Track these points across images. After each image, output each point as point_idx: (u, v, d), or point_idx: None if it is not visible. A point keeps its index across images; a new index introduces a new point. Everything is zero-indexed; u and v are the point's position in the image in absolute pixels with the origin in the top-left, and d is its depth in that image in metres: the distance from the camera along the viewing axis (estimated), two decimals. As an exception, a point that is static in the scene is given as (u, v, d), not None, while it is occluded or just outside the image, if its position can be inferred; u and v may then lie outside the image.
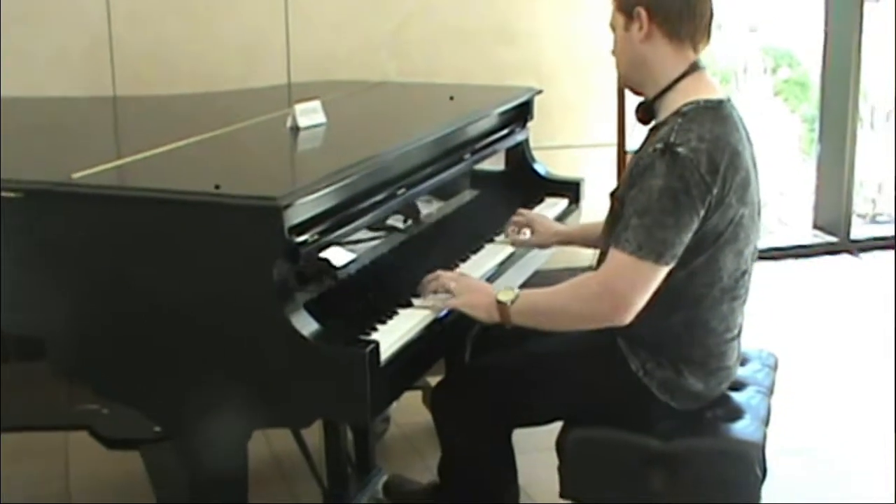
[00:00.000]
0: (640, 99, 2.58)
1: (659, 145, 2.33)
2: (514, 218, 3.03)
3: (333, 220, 2.31)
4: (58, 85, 4.08)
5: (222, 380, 2.20)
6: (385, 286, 2.50)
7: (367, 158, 2.48)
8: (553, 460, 2.52)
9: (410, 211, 2.74)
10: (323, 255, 2.28)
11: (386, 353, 2.19)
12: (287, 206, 2.13)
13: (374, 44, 4.63)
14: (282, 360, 2.12)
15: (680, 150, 2.30)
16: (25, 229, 2.29)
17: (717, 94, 2.46)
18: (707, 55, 2.51)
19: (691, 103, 2.41)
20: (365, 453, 3.18)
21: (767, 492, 2.48)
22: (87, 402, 2.62)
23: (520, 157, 3.44)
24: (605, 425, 2.48)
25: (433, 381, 2.77)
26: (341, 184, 2.35)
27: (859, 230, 6.12)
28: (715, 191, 2.32)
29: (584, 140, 4.96)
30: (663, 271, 2.33)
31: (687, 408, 2.51)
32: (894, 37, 5.72)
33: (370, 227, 2.53)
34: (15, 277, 2.31)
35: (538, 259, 3.09)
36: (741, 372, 2.68)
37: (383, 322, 2.35)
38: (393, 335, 2.29)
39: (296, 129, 2.79)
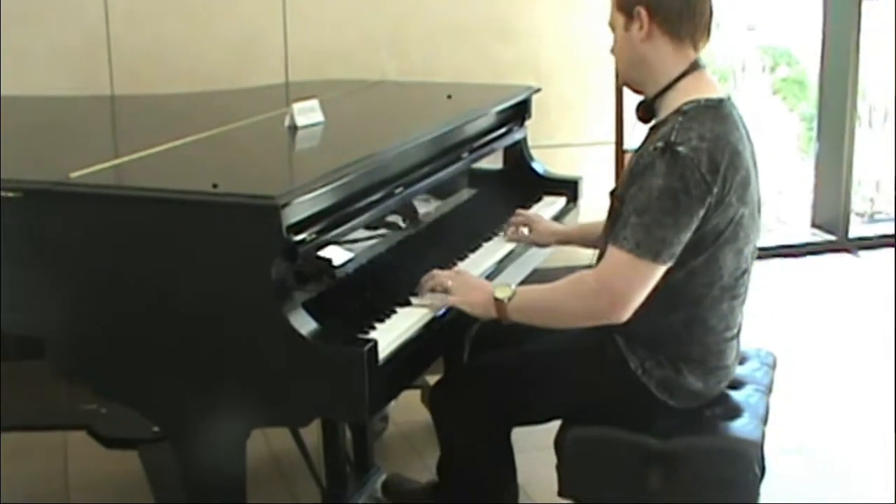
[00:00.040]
0: (640, 97, 2.57)
1: (659, 144, 2.33)
2: (513, 219, 3.03)
3: (331, 219, 2.31)
4: (55, 84, 4.08)
5: (220, 379, 2.20)
6: (383, 285, 2.50)
7: (365, 157, 2.48)
8: (552, 459, 2.52)
9: (408, 210, 2.74)
10: (321, 254, 2.28)
11: (384, 351, 2.19)
12: (285, 205, 2.12)
13: (372, 42, 4.63)
14: (280, 359, 2.12)
15: (680, 149, 2.30)
16: (24, 229, 2.29)
17: (717, 92, 2.46)
18: (705, 54, 2.51)
19: (692, 102, 2.41)
20: (363, 452, 3.18)
21: (766, 491, 2.48)
22: (86, 401, 2.62)
23: (518, 155, 3.44)
24: (603, 424, 2.48)
25: (432, 379, 2.77)
26: (339, 183, 2.35)
27: (857, 229, 6.12)
28: (715, 190, 2.32)
29: (582, 139, 4.96)
30: (661, 270, 2.33)
31: (685, 406, 2.51)
32: (893, 36, 5.72)
33: (368, 226, 2.53)
34: (13, 277, 2.31)
35: (537, 257, 3.09)
36: (740, 370, 2.68)
37: (381, 321, 2.35)
38: (391, 334, 2.29)
39: (294, 128, 2.79)
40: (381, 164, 2.55)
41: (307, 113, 2.83)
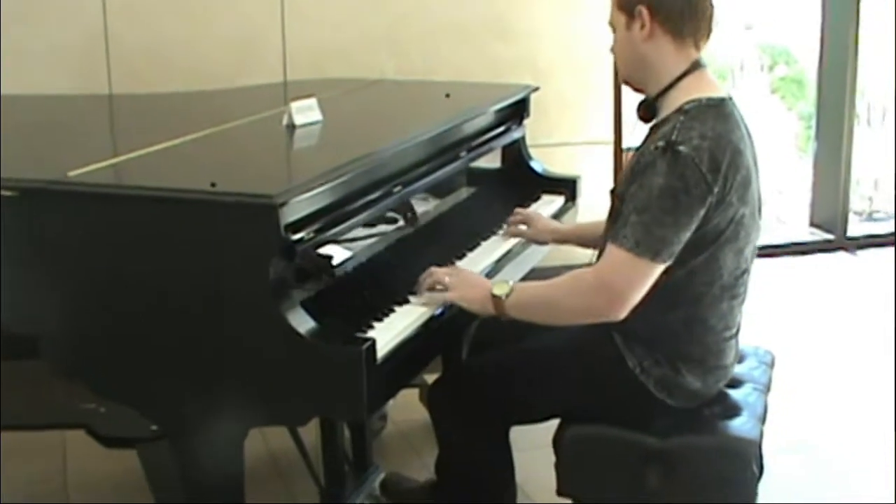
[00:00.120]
0: (639, 96, 2.57)
1: (661, 143, 2.33)
2: (512, 217, 3.03)
3: (330, 218, 2.31)
4: (54, 82, 4.08)
5: (219, 378, 2.20)
6: (382, 284, 2.50)
7: (363, 156, 2.48)
8: (550, 458, 2.52)
9: (407, 208, 2.73)
10: (319, 252, 2.28)
11: (382, 350, 2.19)
12: (283, 204, 2.12)
13: (370, 41, 4.63)
14: (278, 358, 2.12)
15: (682, 148, 2.30)
16: (22, 227, 2.29)
17: (718, 92, 2.46)
18: (704, 53, 2.51)
19: (693, 101, 2.41)
20: (362, 451, 3.18)
21: (765, 490, 2.48)
22: (85, 400, 2.61)
23: (516, 154, 3.44)
24: (602, 423, 2.48)
25: (430, 378, 2.76)
26: (337, 181, 2.35)
27: (856, 227, 6.13)
28: (716, 190, 2.32)
29: (580, 137, 4.96)
30: (660, 269, 2.33)
31: (684, 405, 2.51)
32: (892, 34, 5.72)
33: (367, 225, 2.53)
34: (11, 276, 2.31)
35: (535, 256, 3.09)
36: (738, 369, 2.68)
37: (380, 320, 2.35)
38: (389, 333, 2.29)
39: (292, 127, 2.79)
40: (379, 163, 2.55)
41: (305, 112, 2.83)
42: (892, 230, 5.91)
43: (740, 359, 2.71)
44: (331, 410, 2.40)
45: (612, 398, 2.49)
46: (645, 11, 2.42)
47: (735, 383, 2.66)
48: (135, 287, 2.22)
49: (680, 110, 2.40)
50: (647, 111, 2.54)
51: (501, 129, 3.30)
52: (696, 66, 2.47)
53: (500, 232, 3.00)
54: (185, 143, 2.69)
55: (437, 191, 2.96)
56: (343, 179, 2.37)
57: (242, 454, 2.29)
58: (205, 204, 2.16)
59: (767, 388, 2.72)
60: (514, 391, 2.54)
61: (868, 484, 3.41)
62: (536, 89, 3.49)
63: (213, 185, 2.17)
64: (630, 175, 2.41)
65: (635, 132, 2.61)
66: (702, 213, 2.33)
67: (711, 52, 2.50)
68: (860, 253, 5.89)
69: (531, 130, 3.51)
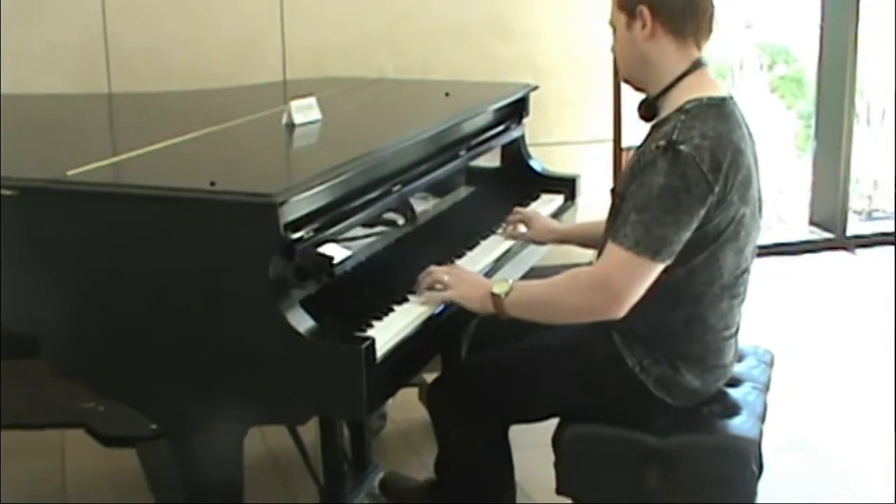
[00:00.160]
0: (640, 95, 2.57)
1: (661, 142, 2.33)
2: (511, 216, 3.03)
3: (329, 217, 2.31)
4: (53, 82, 4.08)
5: (218, 377, 2.20)
6: (381, 283, 2.50)
7: (362, 155, 2.48)
8: (549, 457, 2.52)
9: (406, 207, 2.73)
10: (319, 251, 2.28)
11: (382, 349, 2.19)
12: (282, 203, 2.12)
13: (370, 40, 4.63)
14: (278, 356, 2.12)
15: (682, 147, 2.30)
16: (21, 227, 2.29)
17: (719, 91, 2.46)
18: (704, 52, 2.51)
19: (694, 100, 2.41)
20: (361, 450, 3.18)
21: (764, 489, 2.48)
22: (84, 399, 2.62)
23: (515, 153, 3.44)
24: (601, 422, 2.48)
25: (429, 377, 2.77)
26: (337, 180, 2.35)
27: (855, 227, 6.13)
28: (717, 189, 2.32)
29: (580, 136, 4.96)
30: (659, 268, 2.33)
31: (683, 404, 2.51)
32: (892, 33, 5.72)
33: (366, 224, 2.53)
34: (11, 275, 2.31)
35: (534, 255, 3.09)
36: (737, 368, 2.69)
37: (379, 319, 2.35)
38: (389, 332, 2.29)
39: (291, 126, 2.79)
40: (378, 162, 2.55)
41: (305, 111, 2.83)
42: (891, 229, 5.91)
43: (740, 358, 2.71)
44: (330, 409, 2.39)
45: (612, 397, 2.50)
46: (646, 11, 2.42)
47: (734, 382, 2.66)
48: (134, 286, 2.22)
49: (681, 109, 2.40)
50: (648, 110, 2.54)
51: (501, 127, 3.30)
52: (697, 65, 2.47)
53: (499, 232, 3.00)
54: (185, 142, 2.70)
55: (437, 190, 2.96)
56: (342, 178, 2.37)
57: (242, 453, 2.29)
58: (204, 203, 2.16)
59: (767, 387, 2.72)
60: (513, 390, 2.54)
61: (868, 483, 3.41)
62: (535, 88, 3.49)
63: (212, 183, 2.17)
64: (630, 174, 2.41)
65: (635, 131, 2.61)
66: (702, 212, 2.33)
67: (711, 50, 2.50)
68: (860, 252, 5.89)
69: (530, 129, 3.51)
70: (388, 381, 2.28)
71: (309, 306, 2.16)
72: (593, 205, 3.42)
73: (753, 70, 7.06)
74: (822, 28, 5.87)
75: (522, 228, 3.01)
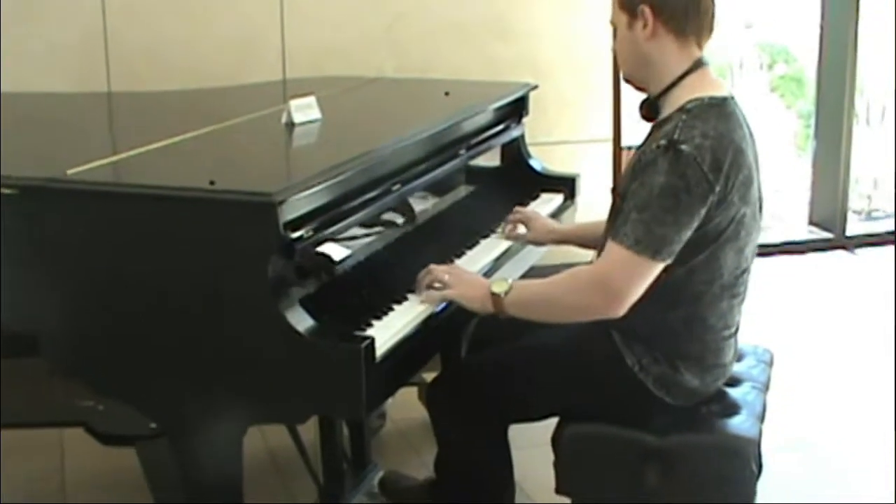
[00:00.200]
0: (640, 95, 2.57)
1: (662, 142, 2.33)
2: (511, 216, 3.03)
3: (328, 216, 2.31)
4: (53, 81, 4.08)
5: (217, 376, 2.20)
6: (380, 282, 2.50)
7: (362, 154, 2.48)
8: (549, 456, 2.52)
9: (405, 207, 2.73)
10: (318, 251, 2.28)
11: (381, 348, 2.19)
12: (282, 202, 2.12)
13: (369, 39, 4.63)
14: (277, 356, 2.12)
15: (684, 147, 2.30)
16: (21, 225, 2.29)
17: (721, 91, 2.45)
18: (704, 51, 2.51)
19: (695, 100, 2.40)
20: (361, 449, 3.18)
21: (763, 488, 2.48)
22: (83, 398, 2.61)
23: (515, 152, 3.44)
24: (600, 421, 2.48)
25: (429, 377, 2.77)
26: (336, 180, 2.35)
27: (855, 227, 6.12)
28: (717, 189, 2.32)
29: (579, 136, 4.96)
30: (659, 267, 2.33)
31: (682, 403, 2.51)
32: (892, 33, 5.72)
33: (365, 223, 2.53)
34: (11, 273, 2.31)
35: (534, 254, 3.09)
36: (737, 368, 2.69)
37: (379, 318, 2.35)
38: (388, 331, 2.29)
39: (291, 125, 2.79)
40: (378, 161, 2.55)
41: (304, 110, 2.83)
42: (891, 229, 5.91)
43: (739, 357, 2.71)
44: (330, 409, 2.40)
45: (611, 396, 2.50)
46: (648, 11, 2.42)
47: (734, 382, 2.66)
48: (133, 285, 2.22)
49: (682, 109, 2.40)
50: (649, 110, 2.54)
51: (500, 127, 3.30)
52: (699, 64, 2.47)
53: (498, 232, 2.99)
54: (184, 141, 2.70)
55: (436, 189, 2.96)
56: (342, 177, 2.37)
57: (241, 452, 2.29)
58: (204, 202, 2.16)
59: (766, 387, 2.72)
60: (512, 389, 2.54)
61: (867, 482, 3.41)
62: (535, 87, 3.49)
63: (212, 182, 2.17)
64: (631, 173, 2.41)
65: (635, 130, 2.61)
66: (703, 212, 2.33)
67: (711, 50, 2.50)
68: (859, 252, 5.89)
69: (530, 129, 3.51)
70: (388, 381, 2.28)
71: (308, 305, 2.16)
72: (593, 204, 3.43)
73: (753, 70, 7.06)
74: (822, 28, 5.86)
75: (522, 229, 3.01)
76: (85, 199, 2.27)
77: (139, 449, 2.63)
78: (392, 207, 2.65)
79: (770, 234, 5.96)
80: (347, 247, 2.40)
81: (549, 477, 2.53)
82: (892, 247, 5.62)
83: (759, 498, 2.47)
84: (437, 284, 2.47)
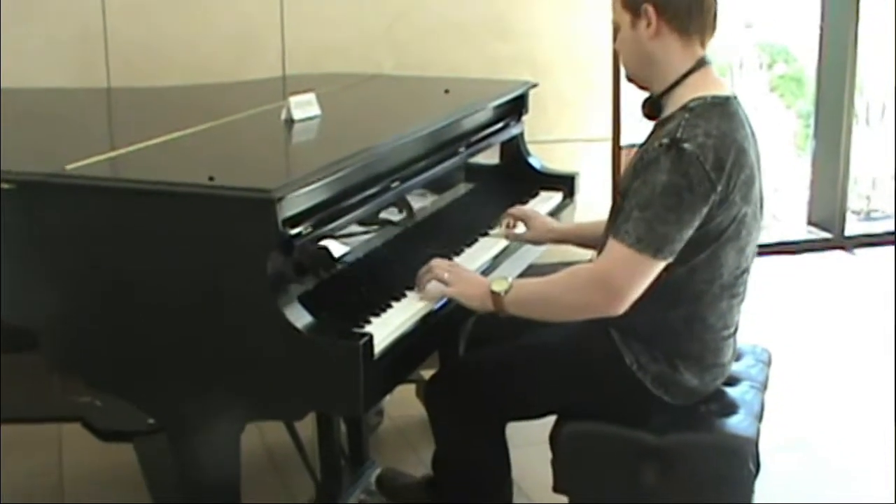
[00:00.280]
0: (640, 94, 2.57)
1: (665, 140, 2.33)
2: (510, 211, 3.03)
3: (327, 213, 2.31)
4: (52, 76, 4.07)
5: (215, 372, 2.20)
6: (379, 279, 2.50)
7: (361, 151, 2.48)
8: (547, 454, 2.52)
9: (404, 204, 2.73)
10: (317, 247, 2.28)
11: (379, 345, 2.18)
12: (281, 199, 2.12)
13: (369, 37, 4.62)
14: (275, 352, 2.11)
15: (686, 146, 2.30)
16: (19, 220, 2.29)
17: (723, 90, 2.45)
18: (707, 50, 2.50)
19: (698, 99, 2.40)
20: (358, 446, 3.18)
21: (761, 488, 2.48)
22: (81, 393, 2.62)
23: (515, 150, 3.44)
24: (598, 419, 2.48)
25: (427, 374, 2.76)
26: (335, 176, 2.35)
27: (854, 227, 6.13)
28: (719, 188, 2.32)
29: (579, 134, 4.95)
30: (660, 266, 2.33)
31: (681, 402, 2.51)
32: (892, 33, 5.72)
33: (364, 220, 2.53)
34: (9, 268, 2.31)
35: (533, 253, 3.08)
36: (735, 367, 2.68)
37: (377, 315, 2.34)
38: (387, 328, 2.28)
39: (290, 122, 2.79)
40: (377, 158, 2.55)
41: (304, 106, 2.83)
42: (890, 229, 5.91)
43: (738, 357, 2.71)
44: (327, 405, 2.39)
45: (609, 395, 2.49)
46: (651, 10, 2.42)
47: (732, 381, 2.66)
48: (132, 280, 2.22)
49: (685, 108, 2.40)
50: (652, 108, 2.54)
51: (500, 125, 3.30)
52: (702, 63, 2.46)
53: (497, 231, 2.99)
54: (184, 137, 2.69)
55: (436, 186, 2.96)
56: (341, 174, 2.37)
57: (239, 448, 2.29)
58: (203, 198, 2.16)
59: (764, 386, 2.72)
60: (510, 387, 2.53)
61: (865, 482, 3.41)
62: (535, 85, 3.49)
63: (211, 178, 2.17)
64: (633, 171, 2.40)
65: (634, 129, 2.61)
66: (705, 211, 2.32)
67: (711, 50, 2.50)
68: (858, 252, 5.89)
69: (530, 127, 3.51)
70: (386, 378, 2.28)
71: (307, 302, 2.16)
72: (592, 202, 3.43)
73: (753, 69, 7.06)
74: (821, 27, 5.87)
75: (521, 227, 3.00)
76: (84, 195, 2.26)
77: (137, 445, 2.63)
78: (391, 204, 2.65)
79: (769, 233, 5.96)
80: (346, 243, 2.40)
81: (546, 475, 2.53)
82: (891, 247, 5.62)
83: (757, 497, 2.47)
84: (436, 282, 2.47)
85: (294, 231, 2.17)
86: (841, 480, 3.42)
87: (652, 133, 2.50)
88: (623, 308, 2.33)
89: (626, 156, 4.84)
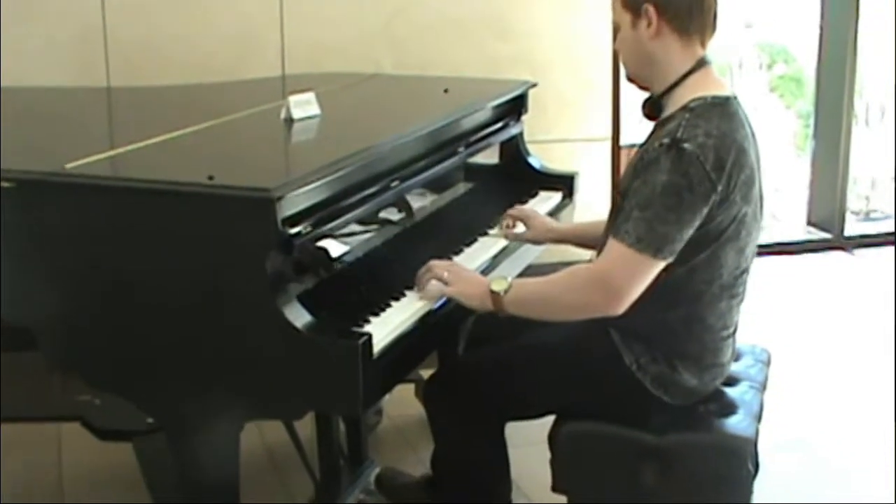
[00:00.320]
0: (640, 94, 2.57)
1: (665, 140, 2.33)
2: (509, 211, 3.03)
3: (327, 212, 2.31)
4: (52, 75, 4.07)
5: (215, 371, 2.20)
6: (378, 279, 2.50)
7: (360, 150, 2.47)
8: (545, 454, 2.52)
9: (404, 203, 2.73)
10: (316, 247, 2.28)
11: (379, 345, 2.18)
12: (280, 198, 2.12)
13: (368, 36, 4.62)
14: (274, 351, 2.11)
15: (686, 145, 2.30)
16: (19, 219, 2.28)
17: (724, 90, 2.45)
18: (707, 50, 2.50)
19: (699, 99, 2.40)
20: (357, 446, 3.18)
21: (760, 488, 2.48)
22: (80, 392, 2.62)
23: (514, 150, 3.44)
24: (598, 419, 2.48)
25: (426, 374, 2.76)
26: (335, 176, 2.34)
27: (853, 227, 6.13)
28: (720, 188, 2.31)
29: (578, 134, 4.95)
30: (660, 265, 2.33)
31: (680, 403, 2.51)
32: (892, 33, 5.72)
33: (364, 220, 2.53)
34: (9, 267, 2.30)
35: (532, 252, 3.08)
36: (734, 367, 2.68)
37: (376, 314, 2.34)
38: (386, 327, 2.28)
39: (290, 121, 2.79)
40: (376, 158, 2.55)
41: (303, 106, 2.83)
42: (890, 230, 5.92)
43: (737, 357, 2.71)
44: (326, 405, 2.39)
45: (609, 395, 2.49)
46: (652, 10, 2.42)
47: (731, 381, 2.66)
48: (131, 279, 2.22)
49: (685, 108, 2.40)
50: (652, 108, 2.54)
51: (499, 124, 3.30)
52: (702, 63, 2.46)
53: (497, 231, 2.99)
54: (183, 136, 2.69)
55: (435, 186, 2.96)
56: (341, 174, 2.36)
57: (238, 447, 2.29)
58: (202, 197, 2.16)
59: (764, 387, 2.72)
60: (509, 387, 2.53)
61: (865, 482, 3.41)
62: (534, 85, 3.49)
63: (210, 178, 2.16)
64: (633, 171, 2.40)
65: (634, 129, 2.61)
66: (705, 211, 2.32)
67: (710, 50, 2.50)
68: (857, 252, 5.89)
69: (529, 127, 3.51)
70: (385, 377, 2.28)
71: (306, 301, 2.16)
72: (591, 202, 3.42)
73: (753, 69, 7.06)
74: (821, 28, 5.87)
75: (520, 227, 3.00)
76: (83, 193, 2.26)
77: (136, 444, 2.64)
78: (390, 204, 2.65)
79: (768, 233, 5.96)
80: (345, 243, 2.40)
81: (545, 475, 2.53)
82: (891, 247, 5.63)
83: (756, 498, 2.47)
84: (435, 281, 2.47)
85: (293, 230, 2.17)
86: (840, 480, 3.42)
87: (652, 133, 2.50)
88: (623, 308, 2.33)
89: (625, 156, 4.85)
